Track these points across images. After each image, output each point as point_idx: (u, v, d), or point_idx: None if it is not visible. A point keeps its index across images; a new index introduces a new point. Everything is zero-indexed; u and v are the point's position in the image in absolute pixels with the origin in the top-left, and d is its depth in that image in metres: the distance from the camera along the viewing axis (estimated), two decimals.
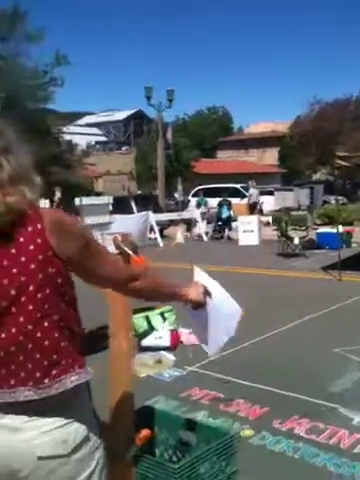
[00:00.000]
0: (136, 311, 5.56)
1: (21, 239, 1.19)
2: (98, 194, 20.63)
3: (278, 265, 9.97)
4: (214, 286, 1.70)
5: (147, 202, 16.81)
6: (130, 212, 15.05)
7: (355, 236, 12.67)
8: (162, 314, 5.37)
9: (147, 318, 5.28)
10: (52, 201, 15.14)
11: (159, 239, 13.99)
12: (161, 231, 14.73)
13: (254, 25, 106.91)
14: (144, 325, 5.23)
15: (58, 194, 15.78)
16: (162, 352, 4.78)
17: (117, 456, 1.53)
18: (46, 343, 1.23)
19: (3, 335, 1.21)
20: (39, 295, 1.20)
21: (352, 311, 6.37)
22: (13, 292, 1.19)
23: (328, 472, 2.81)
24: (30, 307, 1.20)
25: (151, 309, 5.52)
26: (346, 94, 40.19)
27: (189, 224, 15.79)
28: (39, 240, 1.20)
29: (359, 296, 7.03)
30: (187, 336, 5.20)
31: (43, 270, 1.20)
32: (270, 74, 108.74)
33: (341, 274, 8.15)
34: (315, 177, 37.60)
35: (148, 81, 23.54)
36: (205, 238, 15.01)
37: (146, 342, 4.96)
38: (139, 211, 14.90)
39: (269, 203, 19.25)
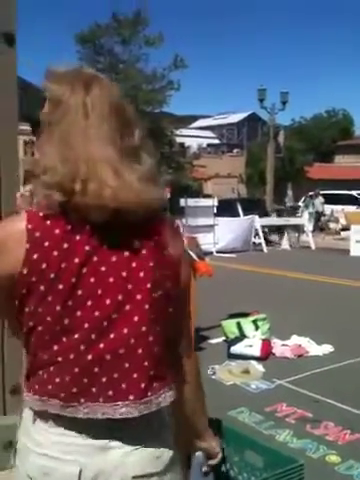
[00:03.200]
0: (229, 316, 5.47)
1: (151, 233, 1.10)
2: (206, 196, 20.80)
3: None
4: None
5: (254, 206, 16.55)
6: (236, 215, 14.90)
7: None
8: (255, 322, 5.19)
9: (239, 324, 5.13)
10: None
11: (263, 244, 13.69)
12: (266, 237, 14.38)
13: None
14: (235, 331, 5.10)
15: (167, 195, 16.15)
16: (251, 361, 4.60)
17: None
18: (155, 350, 1.09)
19: (112, 335, 1.05)
20: (154, 295, 1.08)
21: None
22: (130, 287, 1.06)
23: None
24: (146, 306, 1.07)
25: (244, 315, 5.38)
26: None
27: (298, 230, 15.25)
28: (157, 237, 1.11)
29: None
30: (280, 348, 4.98)
31: (159, 270, 1.09)
32: None
33: None
34: None
35: (262, 83, 23.12)
36: (313, 246, 14.39)
37: (236, 349, 4.82)
38: (245, 215, 14.69)
39: None
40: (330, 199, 19.88)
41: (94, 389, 1.06)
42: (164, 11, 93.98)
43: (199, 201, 13.30)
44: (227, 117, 53.09)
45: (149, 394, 1.08)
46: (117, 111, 1.09)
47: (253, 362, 4.62)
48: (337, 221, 18.30)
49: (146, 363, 1.08)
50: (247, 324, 5.16)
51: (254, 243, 13.85)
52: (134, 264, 1.07)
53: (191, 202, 12.55)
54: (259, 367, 4.52)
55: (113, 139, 1.06)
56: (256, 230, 13.74)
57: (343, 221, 17.95)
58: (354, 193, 22.51)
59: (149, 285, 1.07)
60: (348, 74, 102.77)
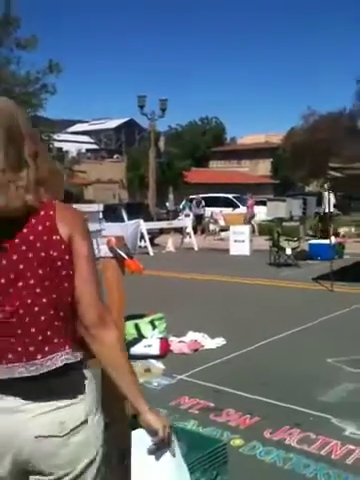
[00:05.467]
0: (126, 318, 5.48)
1: (33, 220, 1.30)
2: (88, 202, 20.55)
3: (270, 275, 9.94)
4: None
5: (138, 210, 16.76)
6: (121, 220, 14.99)
7: (347, 247, 12.70)
8: (152, 322, 5.29)
9: (137, 326, 5.19)
10: None
11: (149, 247, 13.93)
12: (151, 240, 14.65)
13: (246, 37, 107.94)
14: (133, 332, 5.14)
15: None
16: (151, 360, 4.70)
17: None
18: (42, 318, 1.28)
19: (7, 307, 1.27)
20: (40, 271, 1.28)
21: (344, 321, 6.34)
22: (21, 266, 1.28)
23: None
24: (32, 281, 1.28)
25: (141, 317, 5.45)
26: (339, 107, 40.68)
27: (181, 233, 15.75)
28: (48, 223, 1.30)
29: (351, 307, 7.00)
30: (177, 345, 5.14)
31: (46, 250, 1.28)
32: (264, 86, 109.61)
33: (333, 285, 8.13)
34: (308, 189, 37.82)
35: (140, 90, 23.53)
36: (196, 247, 14.97)
37: (135, 350, 4.87)
38: (130, 219, 14.83)
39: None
40: (209, 202, 20.84)
41: None
42: (42, 11, 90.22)
43: (85, 206, 13.12)
44: (104, 122, 52.86)
45: (38, 357, 1.27)
46: None
47: (153, 361, 4.72)
48: (216, 222, 19.23)
49: (33, 329, 1.27)
50: (144, 324, 5.24)
51: (140, 246, 14.03)
52: (24, 247, 1.28)
53: (76, 207, 12.36)
54: (159, 365, 4.63)
55: None
56: (141, 234, 13.93)
57: (222, 222, 18.92)
58: (230, 196, 23.83)
59: (35, 263, 1.28)
60: (220, 82, 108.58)
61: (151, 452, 1.38)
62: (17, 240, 1.29)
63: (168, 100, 21.84)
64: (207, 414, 3.62)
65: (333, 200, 15.25)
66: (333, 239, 11.00)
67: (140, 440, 1.40)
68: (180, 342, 5.18)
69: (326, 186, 9.86)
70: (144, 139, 28.63)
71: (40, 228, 1.30)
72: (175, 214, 22.16)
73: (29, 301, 1.28)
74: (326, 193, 10.45)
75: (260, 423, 3.45)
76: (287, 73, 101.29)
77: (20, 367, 1.26)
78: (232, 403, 3.79)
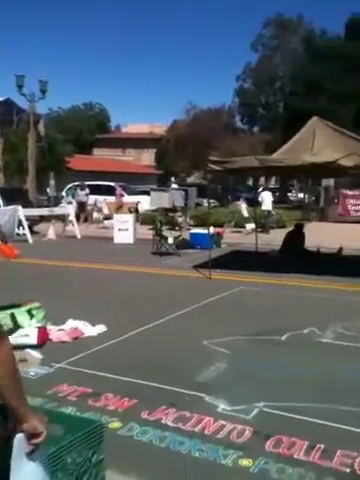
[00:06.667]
0: (0, 309, 5.24)
1: None
2: None
3: (152, 263, 10.12)
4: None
5: (16, 196, 15.98)
6: None
7: (225, 237, 13.36)
8: (29, 311, 5.12)
9: (12, 316, 4.99)
10: None
11: (28, 235, 13.38)
12: (30, 227, 14.08)
13: (131, 29, 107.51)
14: (9, 323, 4.93)
15: None
16: (27, 350, 4.55)
17: None
18: None
19: None
20: None
21: (220, 306, 6.69)
22: None
23: (192, 458, 2.89)
24: None
25: (17, 306, 5.24)
26: (219, 103, 42.54)
27: (63, 220, 15.35)
28: None
29: (227, 292, 7.41)
30: (56, 333, 5.04)
31: None
32: (150, 77, 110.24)
33: (211, 272, 8.52)
34: (190, 180, 39.01)
35: (20, 70, 22.34)
36: (79, 235, 14.70)
37: (11, 341, 4.67)
38: (7, 205, 14.11)
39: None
40: (93, 190, 20.56)
41: None
42: None
43: None
44: None
45: None
46: None
47: (29, 350, 4.57)
48: (100, 211, 19.04)
49: None
50: (21, 314, 5.06)
51: (18, 234, 13.42)
52: None
53: None
54: (36, 354, 4.50)
55: None
56: (20, 220, 13.33)
57: (106, 211, 18.79)
58: (113, 184, 23.69)
59: None
60: (105, 70, 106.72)
61: (31, 453, 1.40)
62: None
63: (49, 82, 21.02)
64: (85, 400, 3.62)
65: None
66: (211, 229, 11.53)
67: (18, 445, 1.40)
68: (59, 330, 5.08)
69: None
70: (23, 121, 27.18)
71: None
72: (57, 201, 21.51)
73: None
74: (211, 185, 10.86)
75: (138, 405, 3.53)
76: (172, 67, 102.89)
77: None
78: (111, 388, 3.82)
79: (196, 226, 15.58)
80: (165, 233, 11.64)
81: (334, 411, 3.48)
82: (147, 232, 13.45)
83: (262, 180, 32.33)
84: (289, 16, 40.51)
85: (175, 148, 40.63)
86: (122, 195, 21.03)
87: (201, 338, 5.06)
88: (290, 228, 12.62)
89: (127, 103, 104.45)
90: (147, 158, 46.26)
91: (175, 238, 11.66)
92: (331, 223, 19.12)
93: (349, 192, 20.73)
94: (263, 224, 15.95)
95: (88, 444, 1.75)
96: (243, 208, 16.67)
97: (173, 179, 23.42)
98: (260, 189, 20.25)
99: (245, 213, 16.36)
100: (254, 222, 13.66)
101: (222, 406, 3.56)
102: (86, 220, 18.41)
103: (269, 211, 16.64)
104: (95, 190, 20.86)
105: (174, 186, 19.72)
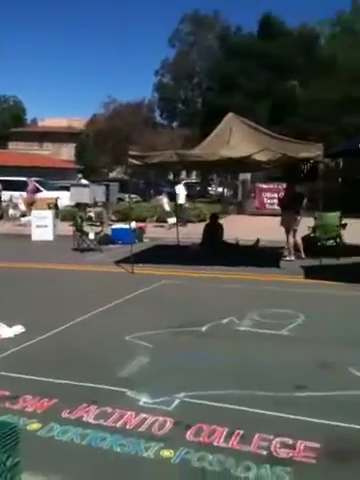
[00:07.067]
0: None
1: None
2: None
3: (73, 260, 9.93)
4: None
5: None
6: None
7: (147, 231, 13.39)
8: None
9: None
10: None
11: None
12: None
13: (49, 20, 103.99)
14: None
15: None
16: None
17: None
18: None
19: None
20: None
21: (143, 301, 6.71)
22: None
23: (114, 453, 2.89)
24: None
25: None
26: (139, 97, 42.44)
27: None
28: None
29: (149, 287, 7.43)
30: None
31: None
32: (68, 70, 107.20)
33: (133, 267, 8.52)
34: (112, 175, 38.60)
35: None
36: None
37: None
38: None
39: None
40: (6, 185, 19.75)
41: None
42: None
43: None
44: None
45: None
46: None
47: None
48: (16, 207, 18.35)
49: None
50: None
51: None
52: None
53: None
54: None
55: None
56: None
57: (22, 207, 18.14)
58: (25, 179, 22.79)
59: None
60: (21, 62, 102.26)
61: None
62: None
63: None
64: (2, 403, 3.49)
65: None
66: (133, 224, 11.51)
67: None
68: None
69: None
70: None
71: None
72: None
73: None
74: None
75: (58, 405, 3.46)
76: (91, 60, 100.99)
77: None
78: (30, 389, 3.71)
79: (118, 221, 15.47)
80: (86, 229, 11.47)
81: (251, 397, 3.62)
82: (68, 228, 13.16)
83: (184, 174, 32.74)
84: (205, 12, 41.15)
85: (95, 143, 40.02)
86: (36, 191, 20.24)
87: (123, 333, 5.05)
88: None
89: (44, 97, 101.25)
90: (66, 153, 45.16)
91: (96, 234, 11.52)
92: (248, 216, 19.80)
93: (264, 186, 21.52)
94: (180, 217, 16.15)
95: (2, 447, 1.70)
96: (165, 203, 16.79)
97: (80, 175, 22.91)
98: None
99: (167, 207, 16.48)
100: (175, 216, 13.80)
101: (144, 399, 3.58)
102: (1, 217, 17.66)
103: (181, 204, 16.86)
104: (8, 186, 20.02)
105: (83, 182, 19.31)
